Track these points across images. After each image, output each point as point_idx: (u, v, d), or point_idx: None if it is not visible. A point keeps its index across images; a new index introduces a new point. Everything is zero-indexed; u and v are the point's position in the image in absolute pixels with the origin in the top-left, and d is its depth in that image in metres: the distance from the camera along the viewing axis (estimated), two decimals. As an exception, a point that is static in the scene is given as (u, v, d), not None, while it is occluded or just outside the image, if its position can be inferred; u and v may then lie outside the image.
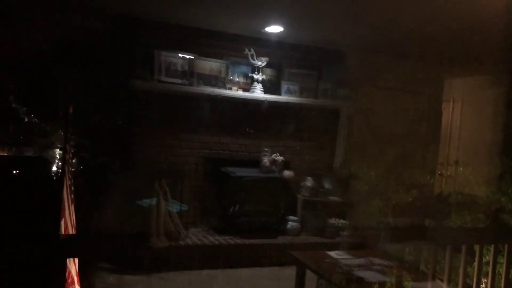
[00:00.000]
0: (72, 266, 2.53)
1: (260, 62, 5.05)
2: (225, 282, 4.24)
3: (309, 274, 3.30)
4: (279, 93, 5.25)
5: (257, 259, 4.69)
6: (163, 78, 4.73)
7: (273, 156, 5.12)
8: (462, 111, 5.97)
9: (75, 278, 2.57)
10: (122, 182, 4.41)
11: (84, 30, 4.41)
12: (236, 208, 4.88)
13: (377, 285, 2.67)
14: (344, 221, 5.10)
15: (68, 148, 2.11)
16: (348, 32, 4.79)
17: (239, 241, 4.71)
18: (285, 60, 5.36)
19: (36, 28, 3.96)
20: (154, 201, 4.42)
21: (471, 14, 3.71)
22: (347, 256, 3.31)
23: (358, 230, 4.52)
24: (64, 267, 2.23)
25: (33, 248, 1.97)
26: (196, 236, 4.72)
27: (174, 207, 4.55)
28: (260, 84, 5.07)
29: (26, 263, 1.97)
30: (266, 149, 5.12)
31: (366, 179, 4.54)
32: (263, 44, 5.12)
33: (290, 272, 3.42)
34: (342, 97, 5.52)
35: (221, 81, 4.99)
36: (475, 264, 2.19)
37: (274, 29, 4.72)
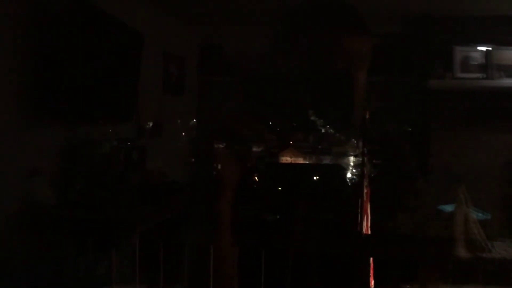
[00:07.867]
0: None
1: None
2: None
3: None
4: None
5: None
6: (459, 74, 4.50)
7: None
8: None
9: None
10: (418, 186, 4.34)
11: (378, 36, 4.55)
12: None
13: None
14: None
15: (364, 155, 2.18)
16: None
17: None
18: None
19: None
20: (453, 207, 4.20)
21: None
22: None
23: None
24: (368, 264, 2.31)
25: (337, 245, 2.14)
26: (504, 249, 4.24)
27: (476, 215, 4.21)
28: None
29: (333, 259, 2.14)
30: None
31: None
32: None
33: None
34: None
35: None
36: None
37: None
